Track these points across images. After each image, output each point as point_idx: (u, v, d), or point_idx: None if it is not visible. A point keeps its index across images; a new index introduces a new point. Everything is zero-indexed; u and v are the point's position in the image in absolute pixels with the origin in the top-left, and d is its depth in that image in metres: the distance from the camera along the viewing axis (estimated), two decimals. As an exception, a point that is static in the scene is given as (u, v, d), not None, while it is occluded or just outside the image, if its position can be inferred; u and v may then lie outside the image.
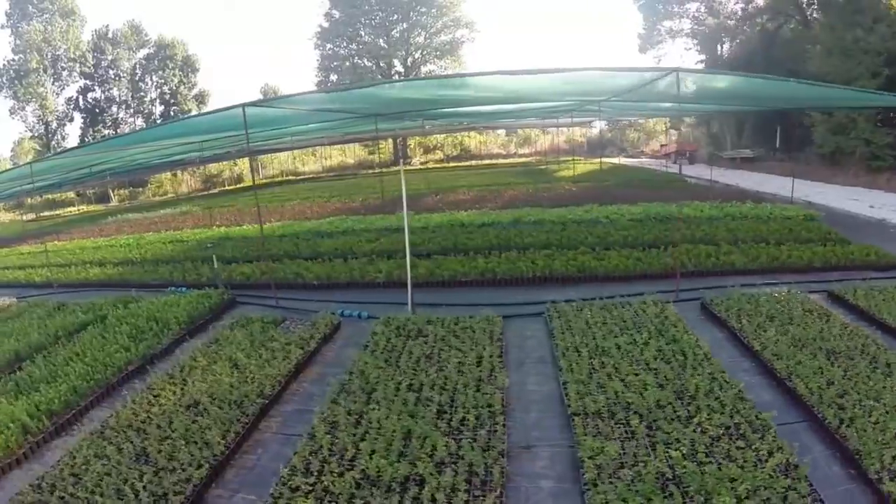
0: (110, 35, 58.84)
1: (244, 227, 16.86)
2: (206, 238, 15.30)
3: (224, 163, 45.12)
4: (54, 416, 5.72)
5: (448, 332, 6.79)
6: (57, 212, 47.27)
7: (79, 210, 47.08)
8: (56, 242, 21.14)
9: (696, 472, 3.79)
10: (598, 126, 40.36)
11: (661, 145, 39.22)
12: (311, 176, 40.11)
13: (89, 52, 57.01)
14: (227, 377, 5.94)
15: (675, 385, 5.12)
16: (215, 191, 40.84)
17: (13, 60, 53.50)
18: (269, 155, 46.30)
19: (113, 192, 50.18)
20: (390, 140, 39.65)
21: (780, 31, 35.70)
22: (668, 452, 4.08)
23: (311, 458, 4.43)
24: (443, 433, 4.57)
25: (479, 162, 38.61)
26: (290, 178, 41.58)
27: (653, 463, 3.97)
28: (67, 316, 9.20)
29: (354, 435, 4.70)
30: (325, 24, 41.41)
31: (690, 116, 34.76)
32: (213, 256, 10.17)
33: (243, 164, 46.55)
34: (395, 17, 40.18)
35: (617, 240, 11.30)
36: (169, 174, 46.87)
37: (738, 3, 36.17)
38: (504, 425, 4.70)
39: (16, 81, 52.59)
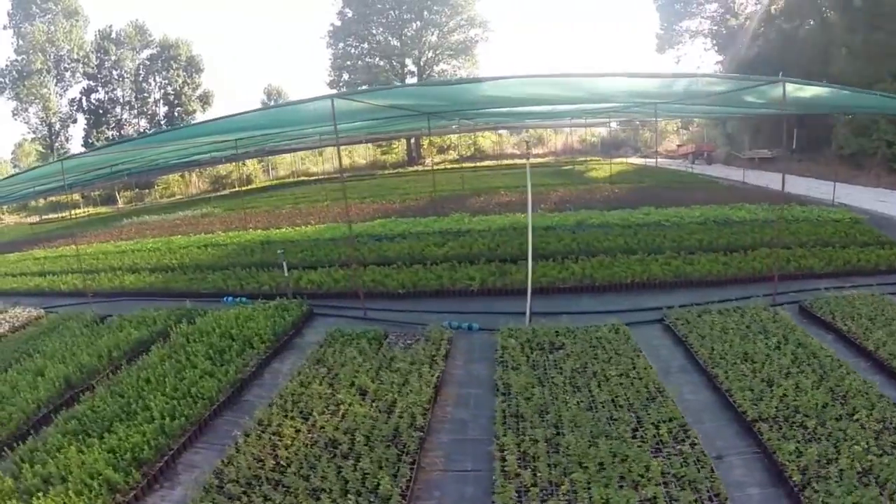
0: (114, 35, 57.05)
1: (283, 229, 15.57)
2: (247, 242, 14.03)
3: (233, 164, 43.66)
4: (144, 466, 4.48)
5: (586, 344, 6.21)
6: (62, 214, 45.53)
7: (85, 212, 45.39)
8: (74, 246, 19.73)
9: (886, 465, 3.91)
10: (612, 126, 39.34)
11: (678, 145, 38.29)
12: (324, 177, 38.72)
13: (93, 52, 55.24)
14: (360, 406, 4.95)
15: (824, 387, 5.13)
16: (226, 192, 39.37)
17: (16, 61, 51.66)
18: (277, 156, 44.93)
19: (119, 193, 48.52)
20: (403, 140, 38.42)
21: (798, 32, 34.99)
22: (851, 449, 4.12)
23: (521, 498, 3.75)
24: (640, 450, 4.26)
25: (497, 162, 37.41)
26: (303, 178, 40.16)
27: (844, 460, 4.00)
28: (118, 332, 7.93)
29: (555, 465, 4.08)
30: (338, 23, 40.06)
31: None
32: (284, 263, 8.91)
33: (252, 165, 45.14)
34: (409, 15, 38.92)
35: (692, 244, 10.76)
36: (177, 175, 45.30)
37: (756, 4, 35.31)
38: (697, 437, 4.52)
39: (18, 82, 50.74)
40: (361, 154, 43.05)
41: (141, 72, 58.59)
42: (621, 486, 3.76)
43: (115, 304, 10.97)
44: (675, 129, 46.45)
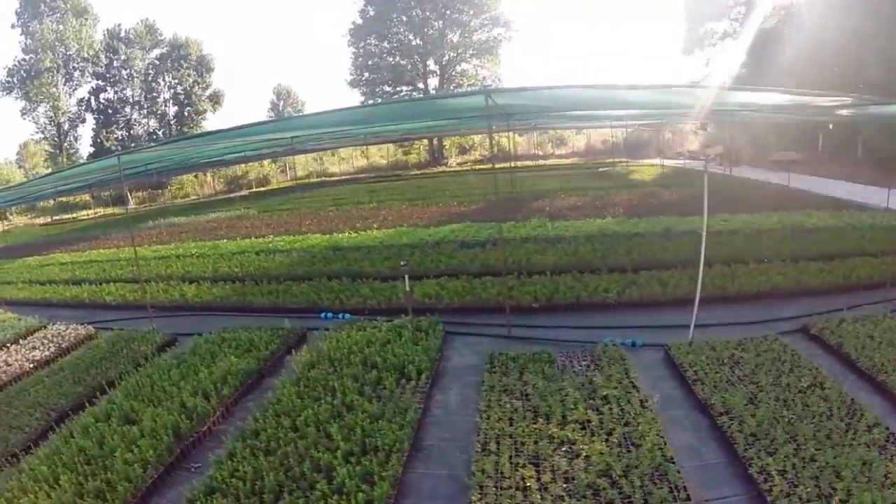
0: (123, 34, 55.03)
1: (346, 233, 13.94)
2: (313, 247, 12.39)
3: (248, 164, 41.89)
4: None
5: (759, 358, 5.54)
6: (73, 215, 43.58)
7: (96, 212, 43.42)
8: (101, 251, 17.96)
9: None
10: (637, 125, 38.00)
11: (706, 147, 36.98)
12: (346, 177, 37.05)
13: (102, 51, 53.20)
14: (593, 443, 4.12)
15: None
16: (244, 192, 37.60)
17: (24, 60, 49.55)
18: (294, 156, 43.12)
19: (130, 194, 46.53)
20: (425, 140, 36.83)
21: (823, 36, 33.94)
22: None
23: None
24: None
25: (524, 163, 35.91)
26: (324, 178, 38.45)
27: None
28: (210, 360, 6.29)
29: (817, 478, 3.56)
30: (360, 21, 38.35)
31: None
32: (406, 277, 7.51)
33: (268, 166, 43.38)
34: (431, 14, 37.32)
35: (796, 250, 9.64)
36: (191, 176, 43.42)
37: (781, 8, 34.13)
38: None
39: (27, 81, 48.65)
40: (382, 154, 41.38)
41: (150, 71, 56.58)
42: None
43: (180, 320, 9.34)
44: (693, 130, 45.17)
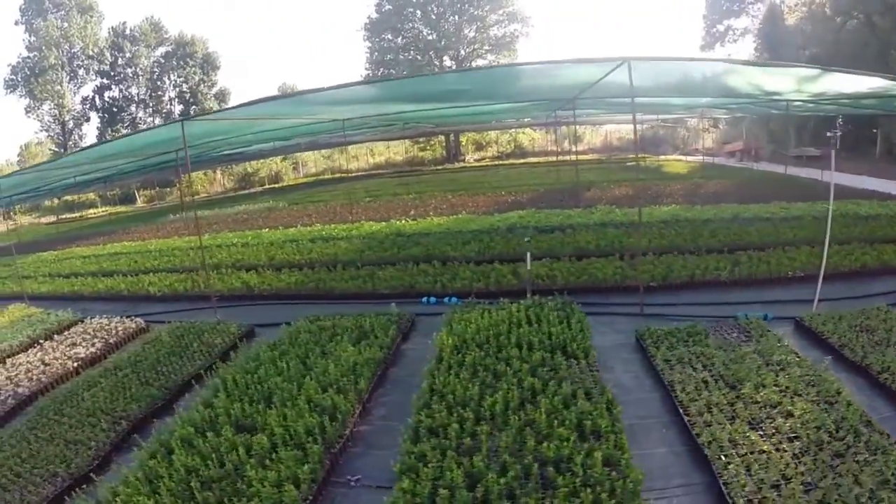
0: (128, 32, 53.31)
1: (402, 221, 12.70)
2: (376, 234, 11.19)
3: (259, 161, 40.46)
4: None
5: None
6: (79, 214, 41.83)
7: (104, 211, 41.75)
8: (124, 243, 16.51)
9: None
10: (651, 124, 37.08)
11: (725, 143, 36.17)
12: (363, 173, 35.64)
13: (107, 49, 51.45)
14: (803, 404, 3.91)
15: None
16: (257, 189, 36.14)
17: (28, 58, 47.76)
18: (303, 153, 41.68)
19: (138, 192, 44.91)
20: (441, 136, 35.57)
21: (842, 32, 33.25)
22: None
23: None
24: None
25: (543, 159, 34.74)
26: (342, 175, 37.02)
27: None
28: (340, 349, 5.01)
29: None
30: (376, 16, 37.02)
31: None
32: (528, 254, 6.88)
33: (280, 163, 41.94)
34: (447, 8, 36.09)
35: (863, 234, 9.33)
36: (200, 173, 41.82)
37: (802, 4, 33.35)
38: None
39: (32, 79, 46.87)
40: (396, 151, 40.05)
41: (156, 69, 54.87)
42: None
43: (247, 309, 8.05)
44: (706, 127, 44.42)
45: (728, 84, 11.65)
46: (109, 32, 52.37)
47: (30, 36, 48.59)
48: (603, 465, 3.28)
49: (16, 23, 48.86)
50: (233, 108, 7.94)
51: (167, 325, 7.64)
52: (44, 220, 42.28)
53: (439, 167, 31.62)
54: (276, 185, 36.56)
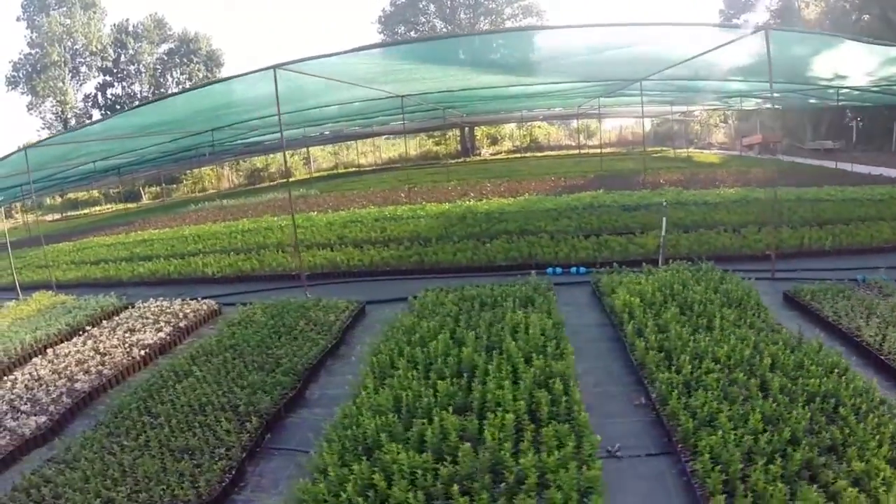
0: (131, 29, 51.33)
1: (469, 202, 11.47)
2: (451, 213, 10.04)
3: (269, 157, 38.86)
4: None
5: None
6: (84, 211, 39.87)
7: (109, 208, 39.83)
8: (150, 231, 14.94)
9: None
10: (663, 118, 36.20)
11: (742, 136, 35.39)
12: (379, 167, 34.19)
13: (110, 45, 49.44)
14: None
15: None
16: (268, 184, 34.51)
17: (30, 54, 45.67)
18: (313, 148, 40.04)
19: (143, 189, 42.99)
20: (456, 130, 34.22)
21: (857, 26, 32.61)
22: None
23: None
24: None
25: (563, 152, 33.61)
26: (359, 168, 35.56)
27: None
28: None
29: None
30: (390, 9, 35.61)
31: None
32: (664, 220, 6.64)
33: (290, 158, 40.27)
34: (461, 2, 34.84)
35: None
36: (208, 169, 40.07)
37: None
38: None
39: (34, 76, 44.79)
40: (410, 145, 38.59)
41: (159, 67, 52.89)
42: None
43: (339, 287, 6.78)
44: (716, 122, 43.74)
45: (811, 66, 10.79)
46: (112, 29, 50.38)
47: (32, 32, 46.52)
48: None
49: (17, 19, 46.82)
50: (329, 54, 6.49)
51: (244, 306, 6.21)
52: (48, 217, 40.26)
53: (458, 160, 30.27)
54: (290, 180, 34.85)
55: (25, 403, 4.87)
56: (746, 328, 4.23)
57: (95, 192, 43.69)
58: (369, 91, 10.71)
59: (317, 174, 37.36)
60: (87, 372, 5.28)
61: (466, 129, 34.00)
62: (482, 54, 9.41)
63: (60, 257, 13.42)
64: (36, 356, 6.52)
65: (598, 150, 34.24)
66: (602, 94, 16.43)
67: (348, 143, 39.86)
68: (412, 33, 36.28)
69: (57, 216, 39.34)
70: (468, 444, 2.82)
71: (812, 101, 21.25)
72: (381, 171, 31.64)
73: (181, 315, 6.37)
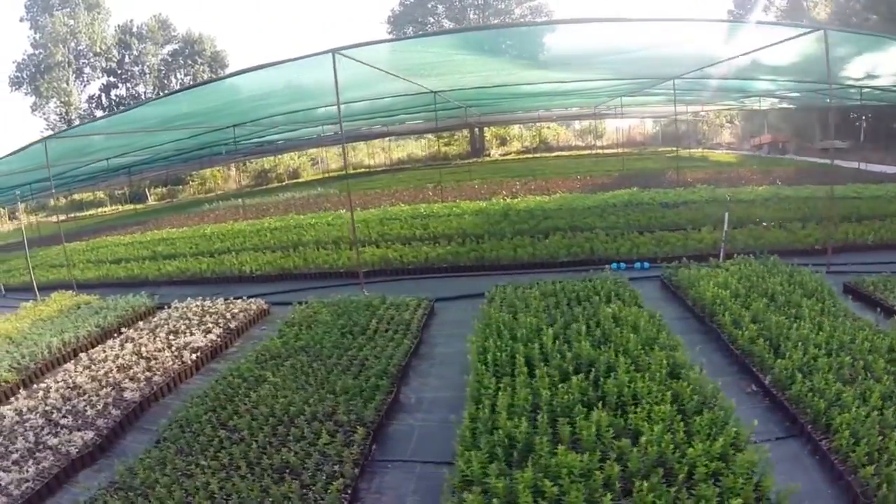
0: (135, 30, 50.60)
1: (503, 201, 11.00)
2: (479, 211, 9.83)
3: (279, 157, 38.20)
4: None
5: None
6: (89, 212, 39.07)
7: (115, 209, 39.09)
8: (167, 230, 14.28)
9: None
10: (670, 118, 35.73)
11: (752, 136, 34.99)
12: (389, 168, 33.59)
13: (114, 46, 48.70)
14: None
15: None
16: (277, 185, 33.88)
17: (33, 55, 44.89)
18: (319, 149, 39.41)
19: (149, 191, 42.23)
20: (465, 131, 33.65)
21: (863, 27, 32.31)
22: None
23: None
24: None
25: (574, 152, 33.10)
26: (369, 169, 34.94)
27: None
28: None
29: None
30: (399, 9, 35.05)
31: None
32: (727, 214, 6.53)
33: (298, 159, 39.70)
34: (471, 2, 34.32)
35: None
36: (215, 170, 39.35)
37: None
38: None
39: (38, 76, 44.01)
40: (418, 146, 38.04)
41: (163, 68, 52.15)
42: None
43: (394, 285, 6.28)
44: (721, 123, 43.38)
45: (846, 66, 10.47)
46: (116, 30, 49.65)
47: (35, 33, 45.74)
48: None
49: (21, 19, 46.01)
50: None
51: (299, 305, 5.56)
52: (52, 218, 39.43)
53: (470, 161, 29.68)
54: (299, 181, 34.30)
55: (65, 416, 4.23)
56: (831, 317, 4.23)
57: (100, 194, 42.98)
58: (405, 85, 10.11)
59: (322, 175, 36.74)
60: (133, 379, 4.64)
61: (476, 129, 33.44)
62: (529, 47, 8.84)
63: (75, 256, 12.76)
64: (66, 361, 5.89)
65: (607, 151, 33.74)
66: (628, 93, 15.90)
67: (355, 143, 39.28)
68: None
69: (62, 217, 38.52)
70: (626, 440, 2.66)
71: (829, 100, 20.76)
72: (392, 171, 31.02)
73: (229, 315, 5.72)
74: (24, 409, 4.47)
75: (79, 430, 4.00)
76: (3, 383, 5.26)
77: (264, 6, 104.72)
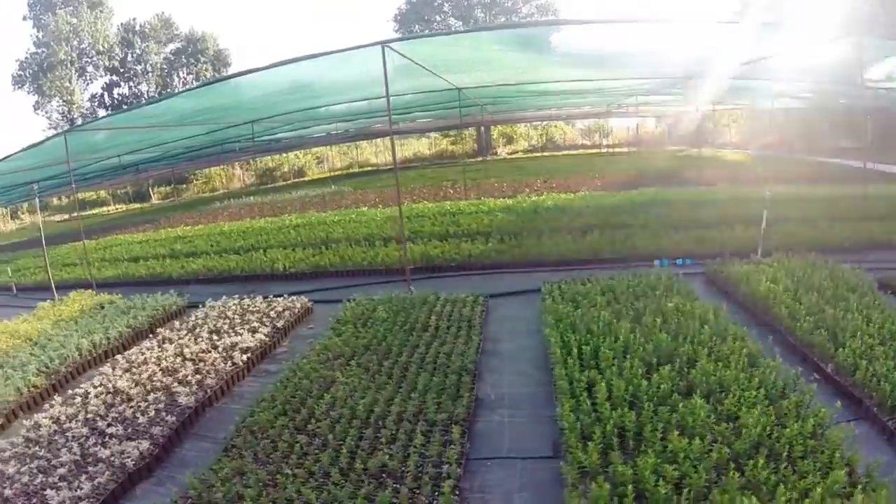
0: (138, 28, 50.09)
1: (528, 198, 10.82)
2: (508, 208, 9.63)
3: (284, 155, 37.80)
4: None
5: None
6: (93, 211, 38.59)
7: (117, 208, 38.66)
8: (183, 227, 13.92)
9: None
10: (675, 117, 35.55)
11: (758, 135, 34.64)
12: (401, 165, 33.17)
13: (117, 45, 48.21)
14: None
15: None
16: (284, 183, 33.50)
17: (36, 53, 44.40)
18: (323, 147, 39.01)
19: (152, 189, 41.77)
20: (472, 129, 33.31)
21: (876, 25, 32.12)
22: None
23: None
24: None
25: (579, 151, 32.84)
26: (370, 168, 34.58)
27: None
28: None
29: None
30: (405, 7, 34.67)
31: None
32: (765, 212, 6.35)
33: (303, 157, 39.32)
34: (477, 0, 33.97)
35: None
36: (218, 168, 38.94)
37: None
38: None
39: (40, 75, 43.52)
40: (423, 145, 37.68)
41: (165, 67, 51.64)
42: None
43: (438, 282, 6.03)
44: (727, 122, 43.03)
45: (871, 68, 10.23)
46: (119, 28, 49.15)
47: (38, 31, 45.25)
48: None
49: (24, 17, 45.49)
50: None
51: (349, 302, 5.23)
52: (55, 217, 38.96)
53: (477, 159, 29.34)
54: (304, 179, 33.93)
55: (112, 424, 3.88)
56: (877, 310, 4.29)
57: (103, 193, 42.55)
58: (431, 81, 9.76)
59: (331, 173, 36.36)
60: (183, 382, 4.31)
61: (483, 128, 33.10)
62: (566, 45, 8.51)
63: (89, 255, 12.37)
64: (97, 364, 5.55)
65: (616, 150, 33.51)
66: (646, 92, 15.60)
67: (357, 142, 38.92)
68: (427, 31, 35.41)
69: (65, 216, 38.06)
70: (725, 424, 2.83)
71: (843, 101, 20.54)
72: (400, 169, 30.61)
73: (273, 314, 5.38)
74: (63, 417, 4.14)
75: (130, 439, 3.67)
76: (31, 388, 4.94)
77: (267, 5, 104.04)
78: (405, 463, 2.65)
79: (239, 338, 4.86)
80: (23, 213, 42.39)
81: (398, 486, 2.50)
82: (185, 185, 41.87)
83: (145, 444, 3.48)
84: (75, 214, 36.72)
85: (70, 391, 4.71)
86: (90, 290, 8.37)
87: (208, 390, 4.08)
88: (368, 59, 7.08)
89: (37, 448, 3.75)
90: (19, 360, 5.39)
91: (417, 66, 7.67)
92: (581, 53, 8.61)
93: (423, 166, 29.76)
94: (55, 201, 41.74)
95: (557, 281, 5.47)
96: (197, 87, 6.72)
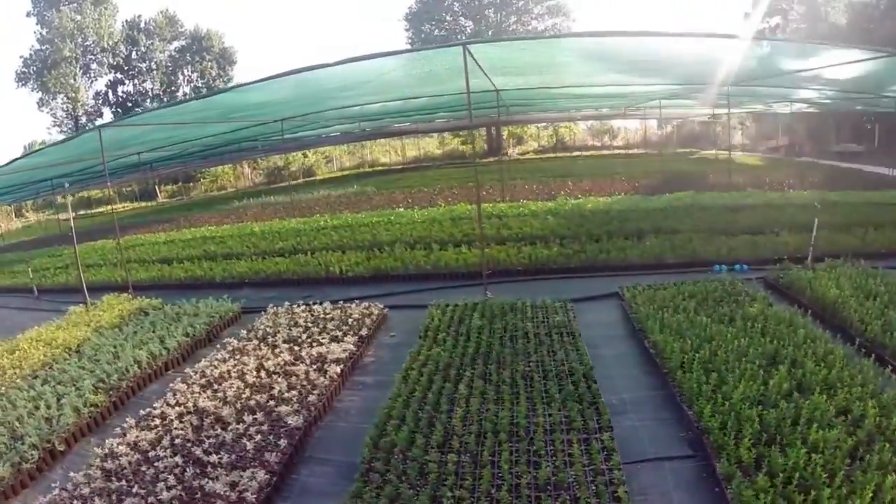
0: (143, 25, 49.37)
1: (567, 200, 10.69)
2: (551, 210, 9.48)
3: (293, 154, 37.30)
4: None
5: None
6: (100, 209, 37.94)
7: (126, 206, 38.08)
8: (207, 227, 13.47)
9: None
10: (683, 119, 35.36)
11: (767, 139, 34.61)
12: (406, 166, 32.80)
13: (121, 42, 47.48)
14: None
15: None
16: (295, 182, 33.04)
17: (40, 50, 43.66)
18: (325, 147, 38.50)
19: (158, 188, 41.23)
20: (483, 129, 32.96)
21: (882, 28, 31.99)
22: None
23: None
24: None
25: (590, 152, 32.59)
26: (380, 168, 34.16)
27: None
28: None
29: None
30: (416, 7, 34.22)
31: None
32: (815, 220, 6.35)
33: (312, 156, 38.85)
34: (489, 0, 33.57)
35: None
36: (227, 167, 38.37)
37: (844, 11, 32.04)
38: None
39: (44, 72, 42.79)
40: (432, 144, 37.28)
41: (170, 64, 50.94)
42: None
43: (503, 286, 5.67)
44: (735, 126, 42.96)
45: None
46: (124, 25, 48.41)
47: (42, 28, 44.50)
48: None
49: (27, 14, 44.70)
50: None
51: (432, 308, 4.89)
52: (62, 216, 38.27)
53: (489, 160, 29.00)
54: (315, 179, 33.49)
55: (211, 451, 3.45)
56: None
57: (109, 191, 41.91)
58: (477, 82, 9.39)
59: (340, 173, 35.94)
60: (283, 400, 3.89)
61: (493, 128, 32.76)
62: (619, 55, 8.18)
63: (110, 256, 11.97)
64: (157, 378, 5.12)
65: (630, 151, 33.22)
66: (670, 96, 15.31)
67: (364, 142, 38.47)
68: (437, 32, 35.01)
69: (72, 214, 37.34)
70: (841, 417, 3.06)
71: (859, 107, 20.32)
72: (411, 169, 30.26)
73: (351, 321, 5.01)
74: (144, 444, 3.66)
75: (236, 467, 3.26)
76: (91, 407, 4.43)
77: (274, 3, 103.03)
78: (568, 474, 2.45)
79: (323, 348, 4.49)
80: (27, 211, 41.71)
81: (568, 496, 2.25)
82: (191, 184, 41.34)
83: (261, 474, 3.09)
84: (73, 215, 36.12)
85: (140, 411, 4.24)
86: (125, 294, 7.94)
87: (312, 408, 3.70)
88: (432, 60, 6.75)
89: (122, 483, 3.27)
90: (68, 375, 4.90)
91: (478, 67, 7.32)
92: (637, 60, 8.28)
93: (437, 166, 29.39)
94: (59, 199, 41.05)
95: (633, 286, 5.53)
96: (264, 80, 6.12)
